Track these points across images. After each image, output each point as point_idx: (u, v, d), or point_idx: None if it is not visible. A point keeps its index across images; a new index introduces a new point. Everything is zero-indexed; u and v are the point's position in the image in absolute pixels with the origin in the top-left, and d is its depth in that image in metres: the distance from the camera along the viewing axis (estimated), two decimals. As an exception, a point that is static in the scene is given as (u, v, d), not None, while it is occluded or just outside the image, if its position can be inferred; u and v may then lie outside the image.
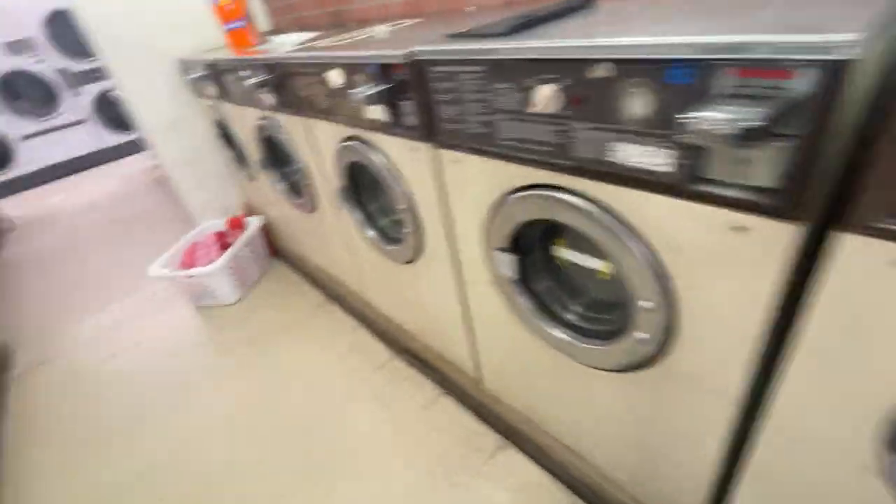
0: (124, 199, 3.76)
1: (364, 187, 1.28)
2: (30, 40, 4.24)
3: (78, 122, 4.64)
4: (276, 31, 2.14)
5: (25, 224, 3.68)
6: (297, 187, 1.62)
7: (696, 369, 0.64)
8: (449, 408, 1.36)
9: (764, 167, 0.46)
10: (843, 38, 0.37)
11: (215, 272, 1.91)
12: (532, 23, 0.69)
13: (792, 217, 0.46)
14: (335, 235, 1.55)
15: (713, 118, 0.39)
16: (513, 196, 0.75)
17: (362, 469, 1.24)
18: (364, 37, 1.15)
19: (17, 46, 4.20)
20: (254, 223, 2.19)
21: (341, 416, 1.41)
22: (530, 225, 0.78)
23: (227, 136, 2.03)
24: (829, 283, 0.46)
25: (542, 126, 0.63)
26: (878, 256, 0.42)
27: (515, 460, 1.19)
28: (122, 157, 4.94)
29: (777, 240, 0.47)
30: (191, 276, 1.93)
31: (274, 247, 2.31)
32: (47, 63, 4.35)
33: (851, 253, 0.43)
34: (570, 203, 0.65)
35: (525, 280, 0.87)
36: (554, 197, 0.67)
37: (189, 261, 2.07)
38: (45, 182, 4.61)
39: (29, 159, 4.48)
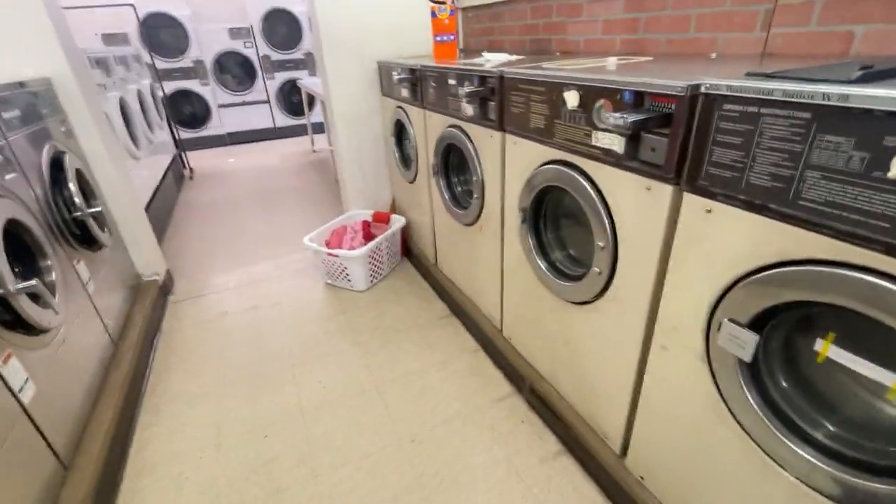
0: (284, 172, 4.22)
1: (547, 215, 1.22)
2: (248, 29, 5.05)
3: (263, 102, 5.38)
4: (467, 50, 2.24)
5: (203, 175, 4.31)
6: (461, 198, 1.63)
7: None
8: (570, 471, 1.22)
9: None
10: None
11: (357, 257, 2.00)
12: (878, 74, 0.57)
13: None
14: (488, 255, 1.52)
15: None
16: (791, 268, 0.62)
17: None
18: (592, 65, 1.11)
19: (237, 32, 5.02)
20: (398, 221, 2.28)
21: (453, 435, 1.35)
22: (787, 307, 0.65)
23: (401, 137, 2.14)
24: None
25: (891, 196, 0.51)
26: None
27: (647, 564, 1.01)
28: (287, 137, 5.60)
29: None
30: (335, 255, 2.04)
31: (406, 248, 2.38)
32: (255, 49, 5.13)
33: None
34: (898, 297, 0.51)
35: (754, 368, 0.72)
36: (878, 286, 0.54)
37: (335, 241, 2.21)
38: (225, 144, 5.39)
39: (219, 123, 5.28)
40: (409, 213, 2.27)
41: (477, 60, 1.53)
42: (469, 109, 1.38)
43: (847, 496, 0.62)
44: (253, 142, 5.51)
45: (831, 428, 0.67)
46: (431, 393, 1.51)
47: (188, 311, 2.08)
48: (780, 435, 0.69)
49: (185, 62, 4.89)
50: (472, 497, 1.17)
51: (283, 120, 5.57)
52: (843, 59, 0.86)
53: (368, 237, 2.20)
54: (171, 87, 4.88)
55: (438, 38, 1.73)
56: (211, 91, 5.10)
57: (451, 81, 1.45)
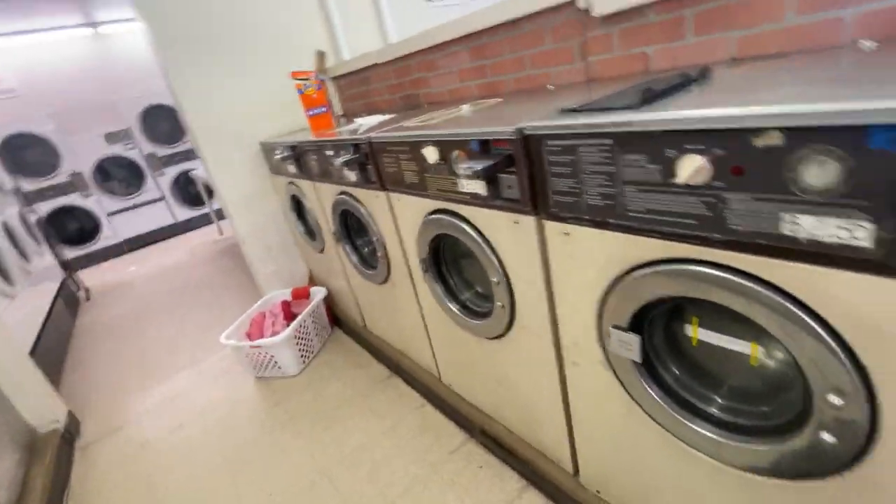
0: (192, 269, 3.97)
1: (446, 260, 1.26)
2: (127, 131, 4.83)
3: (157, 200, 5.10)
4: (346, 114, 2.31)
5: (101, 293, 3.93)
6: (369, 259, 1.63)
7: (909, 486, 0.51)
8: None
9: None
10: None
11: (282, 342, 1.91)
12: (655, 95, 0.67)
13: None
14: (408, 308, 1.52)
15: None
16: (640, 271, 0.69)
17: (444, 578, 1.09)
18: (450, 116, 1.19)
19: (115, 136, 4.78)
20: (318, 293, 2.22)
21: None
22: (658, 303, 0.71)
23: (300, 211, 2.12)
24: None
25: (686, 198, 0.58)
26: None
27: (625, 577, 1.01)
28: (192, 229, 5.32)
29: None
30: (258, 346, 1.93)
31: (334, 317, 2.31)
32: (139, 149, 4.90)
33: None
34: (728, 282, 0.58)
35: (649, 364, 0.78)
36: (703, 273, 0.61)
37: (255, 330, 2.09)
38: (123, 253, 4.99)
39: (111, 233, 4.90)
40: (329, 282, 2.22)
41: (350, 127, 1.58)
42: (351, 176, 1.41)
43: (747, 461, 0.67)
44: (155, 243, 5.16)
45: (721, 401, 0.73)
46: (385, 465, 1.44)
47: (102, 453, 1.83)
48: (684, 420, 0.74)
49: (58, 178, 4.53)
50: (445, 567, 1.11)
51: (185, 213, 5.30)
52: (645, 77, 1.00)
53: (290, 317, 2.12)
54: (47, 207, 4.48)
55: (311, 112, 1.76)
56: (96, 201, 4.75)
57: (329, 152, 1.48)
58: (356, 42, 2.31)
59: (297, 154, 1.74)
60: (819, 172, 0.46)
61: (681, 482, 0.81)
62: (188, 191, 5.25)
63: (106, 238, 4.89)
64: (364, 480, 1.40)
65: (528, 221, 0.85)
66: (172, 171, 5.12)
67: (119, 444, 1.86)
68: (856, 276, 0.47)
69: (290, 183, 1.99)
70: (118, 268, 4.59)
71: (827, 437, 0.55)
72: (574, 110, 0.72)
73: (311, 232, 2.09)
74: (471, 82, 1.56)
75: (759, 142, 0.49)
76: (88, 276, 4.31)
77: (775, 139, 0.48)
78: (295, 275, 2.42)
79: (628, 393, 0.82)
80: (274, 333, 2.03)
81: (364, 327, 2.06)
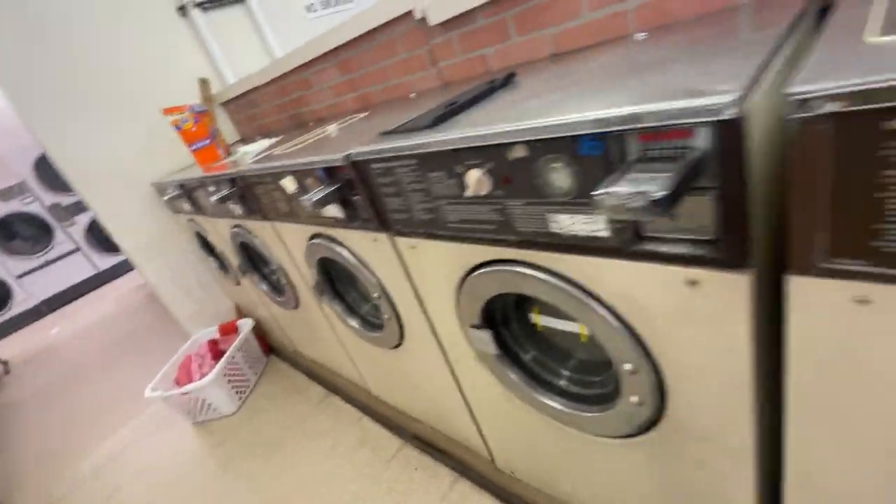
0: (119, 320, 3.76)
1: (340, 279, 1.27)
2: (22, 184, 4.44)
3: (72, 252, 4.75)
4: (245, 139, 2.25)
5: (22, 363, 3.65)
6: (277, 286, 1.62)
7: (700, 427, 0.59)
8: (467, 493, 1.27)
9: (698, 221, 0.45)
10: (716, 100, 0.37)
11: (210, 384, 1.86)
12: (457, 109, 0.71)
13: (736, 266, 0.44)
14: (323, 329, 1.52)
15: (619, 193, 0.38)
16: (474, 274, 0.73)
17: (383, 585, 1.13)
18: (316, 139, 1.20)
19: (8, 192, 4.40)
20: (245, 326, 2.17)
21: (354, 523, 1.31)
22: (502, 298, 0.76)
23: (207, 247, 2.06)
24: (797, 326, 0.43)
25: (481, 207, 0.63)
26: (840, 295, 0.39)
27: (546, 543, 1.08)
28: (119, 276, 5.01)
29: (732, 289, 0.45)
30: (186, 393, 1.87)
31: (267, 346, 2.27)
32: (39, 202, 4.53)
33: (808, 294, 0.41)
34: (527, 275, 0.64)
35: (510, 351, 0.83)
36: (511, 271, 0.66)
37: (183, 376, 2.02)
38: (42, 316, 4.63)
39: (25, 296, 4.53)
40: (255, 313, 2.18)
41: (234, 158, 1.55)
42: (237, 209, 1.39)
43: (594, 428, 0.74)
44: (78, 298, 4.82)
45: (569, 374, 0.80)
46: (326, 489, 1.46)
47: (32, 538, 1.73)
48: (544, 399, 0.80)
49: (-50, 248, 4.12)
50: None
51: (106, 260, 4.97)
52: (486, 77, 1.05)
53: (218, 356, 2.06)
54: (-58, 282, 4.07)
55: (194, 147, 1.71)
56: (0, 265, 4.37)
57: (211, 188, 1.44)
58: (242, 63, 2.24)
59: (187, 192, 1.69)
60: (558, 177, 0.51)
61: (561, 451, 0.88)
62: (105, 238, 4.92)
63: (20, 303, 4.51)
64: (304, 506, 1.41)
65: (383, 238, 0.88)
66: (84, 219, 4.77)
67: (52, 523, 1.76)
68: (608, 260, 0.54)
69: (191, 220, 1.93)
70: (39, 332, 4.26)
71: (635, 399, 0.62)
72: (390, 132, 0.75)
73: (224, 266, 2.03)
74: (346, 96, 1.56)
75: (512, 155, 0.54)
76: (5, 348, 3.98)
77: (522, 152, 0.53)
78: (220, 310, 2.35)
79: (500, 382, 0.87)
80: (203, 375, 1.97)
81: (296, 352, 2.04)
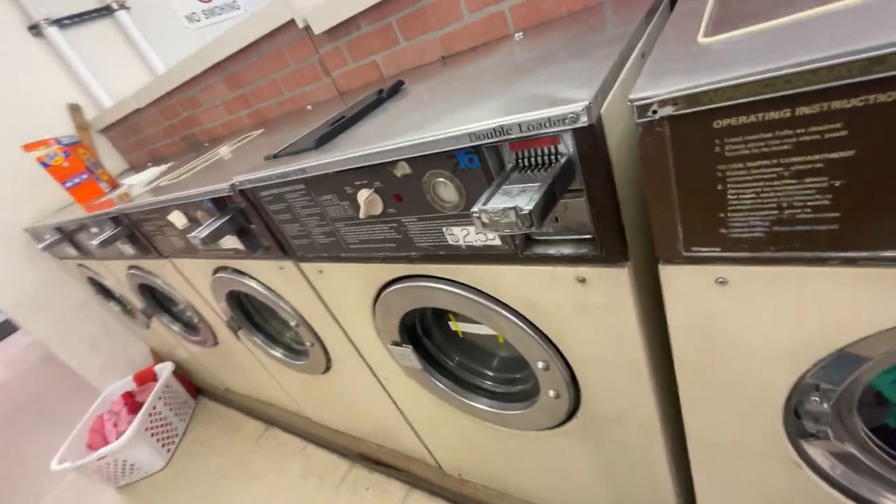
0: (11, 388, 3.28)
1: (255, 310, 1.19)
2: None
3: (-59, 316, 4.06)
4: (134, 167, 2.04)
5: None
6: (191, 325, 1.49)
7: (613, 410, 0.62)
8: (421, 503, 1.25)
9: (579, 221, 0.47)
10: (572, 108, 0.38)
11: (129, 443, 1.68)
12: (343, 126, 0.68)
13: (616, 261, 0.46)
14: (249, 363, 1.43)
15: (491, 211, 0.38)
16: (384, 293, 0.71)
17: None
18: (208, 163, 1.11)
19: None
20: (165, 369, 1.98)
21: (309, 560, 1.25)
22: (419, 311, 0.75)
23: (105, 291, 1.85)
24: (673, 308, 0.46)
25: (378, 226, 0.61)
26: (702, 279, 0.42)
27: (503, 537, 1.10)
28: (5, 336, 4.37)
29: (615, 282, 0.47)
30: (102, 458, 1.67)
31: (195, 387, 2.10)
32: None
33: (677, 280, 0.43)
34: (434, 288, 0.63)
35: (435, 361, 0.83)
36: (418, 286, 0.65)
37: (97, 439, 1.81)
38: (-86, 396, 3.92)
39: None
40: (173, 355, 2.00)
41: (116, 193, 1.39)
42: (128, 249, 1.25)
43: (521, 424, 0.76)
44: (-41, 367, 4.14)
45: (496, 375, 0.81)
46: (274, 527, 1.37)
47: None
48: (473, 403, 0.80)
49: None
50: None
51: (-10, 319, 4.31)
52: (381, 83, 1.02)
53: (135, 408, 1.87)
54: None
55: (68, 184, 1.51)
56: None
57: (94, 230, 1.29)
58: (119, 83, 2.02)
59: (68, 236, 1.49)
60: (445, 191, 0.51)
61: (498, 449, 0.89)
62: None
63: None
64: (253, 554, 1.32)
65: (289, 266, 0.83)
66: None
67: None
68: (506, 267, 0.54)
69: (80, 265, 1.71)
70: (-89, 416, 3.61)
71: (552, 393, 0.64)
72: (274, 156, 0.70)
73: (128, 310, 1.84)
74: (240, 113, 1.46)
75: (397, 172, 0.53)
76: None
77: (406, 169, 0.52)
78: (134, 358, 2.13)
79: (431, 392, 0.86)
80: (120, 434, 1.77)
81: (227, 389, 1.90)
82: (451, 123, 0.48)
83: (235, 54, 1.28)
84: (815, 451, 0.50)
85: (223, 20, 2.31)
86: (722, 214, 0.37)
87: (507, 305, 0.58)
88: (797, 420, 0.49)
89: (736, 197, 0.36)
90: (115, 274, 1.52)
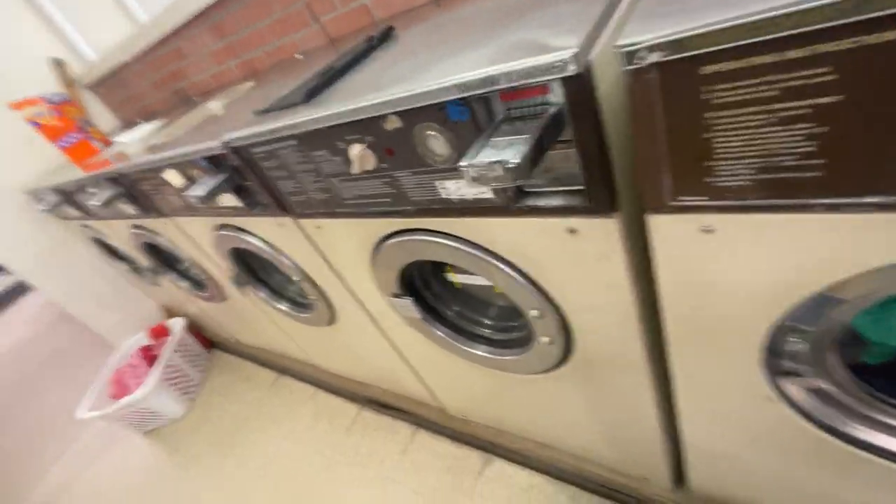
0: (36, 343, 3.42)
1: (259, 265, 1.22)
2: None
3: (-44, 278, 4.17)
4: (126, 124, 2.00)
5: (-68, 409, 3.26)
6: (198, 282, 1.52)
7: (603, 354, 0.65)
8: (426, 442, 1.34)
9: (569, 172, 0.47)
10: (560, 56, 0.37)
11: (150, 393, 1.77)
12: (332, 77, 0.67)
13: (605, 211, 0.46)
14: (257, 317, 1.48)
15: (479, 164, 0.39)
16: (382, 247, 0.73)
17: (360, 540, 1.20)
18: (202, 119, 1.09)
19: None
20: (177, 324, 2.05)
21: (325, 492, 1.36)
22: (417, 263, 0.77)
23: (112, 251, 1.88)
24: (661, 257, 0.47)
25: (373, 181, 0.61)
26: (689, 228, 0.43)
27: (503, 470, 1.18)
28: (26, 292, 4.48)
29: (605, 233, 0.48)
30: (126, 406, 1.78)
31: (208, 340, 2.18)
32: None
33: (665, 230, 0.44)
34: (429, 241, 0.64)
35: (435, 311, 0.85)
36: (414, 240, 0.66)
37: (119, 389, 1.91)
38: (-59, 354, 4.11)
39: (-87, 337, 3.97)
40: (184, 310, 2.06)
41: (111, 152, 1.38)
42: (129, 209, 1.26)
43: (517, 368, 0.80)
44: (-20, 326, 4.29)
45: (493, 323, 0.84)
46: (293, 466, 1.48)
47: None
48: (473, 350, 0.84)
49: None
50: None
51: (4, 278, 4.42)
52: (372, 28, 0.98)
53: (153, 361, 1.95)
54: None
55: (62, 144, 1.50)
56: None
57: (92, 190, 1.29)
58: (100, 35, 1.93)
59: (68, 197, 1.50)
60: (437, 144, 0.51)
61: (497, 392, 0.95)
62: (-6, 254, 4.33)
63: None
64: (274, 491, 1.44)
65: (288, 222, 0.84)
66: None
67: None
68: (498, 219, 0.55)
69: (84, 226, 1.73)
70: (-58, 372, 3.80)
71: (546, 339, 0.67)
72: (264, 112, 0.69)
73: (135, 268, 1.87)
74: (228, 64, 1.41)
75: (388, 126, 0.52)
76: None
77: (397, 123, 0.51)
78: (146, 314, 2.20)
79: (432, 341, 0.90)
80: (140, 385, 1.87)
81: (238, 342, 1.98)
82: (440, 74, 0.47)
83: (219, 1, 1.22)
84: (790, 388, 0.53)
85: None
86: (709, 163, 0.37)
87: (500, 257, 0.60)
88: (775, 359, 0.51)
89: (723, 145, 0.36)
90: (119, 234, 1.54)
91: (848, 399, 0.52)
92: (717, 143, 0.36)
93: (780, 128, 0.33)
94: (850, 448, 0.53)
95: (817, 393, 0.53)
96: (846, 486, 0.59)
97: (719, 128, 0.35)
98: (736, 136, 0.35)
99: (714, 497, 0.80)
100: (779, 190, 0.36)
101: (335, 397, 1.63)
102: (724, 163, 0.37)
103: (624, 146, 0.45)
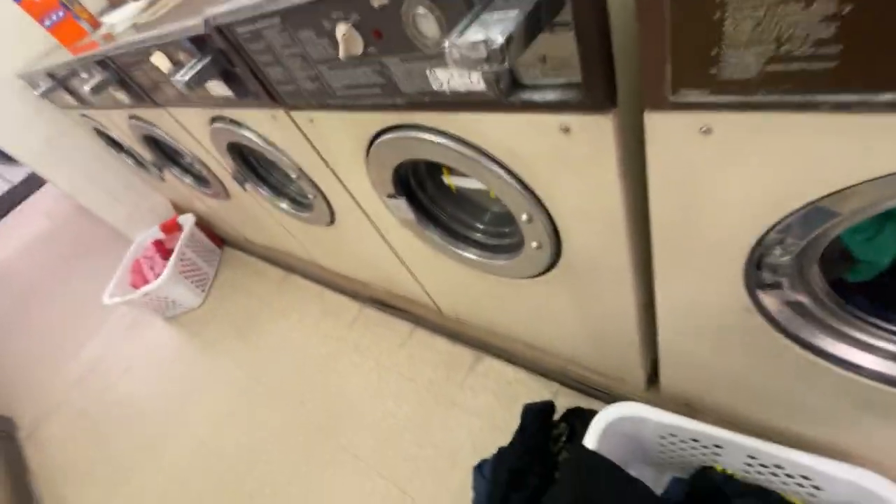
0: (57, 234, 3.56)
1: (258, 161, 1.21)
2: None
3: (-28, 168, 4.22)
4: (113, 2, 1.85)
5: (-27, 290, 3.52)
6: (201, 178, 1.53)
7: (590, 259, 0.65)
8: (423, 339, 1.43)
9: (567, 64, 0.43)
10: None
11: (167, 283, 1.88)
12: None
13: (602, 108, 0.43)
14: (261, 215, 1.50)
15: (461, 44, 0.35)
16: (375, 143, 0.71)
17: (363, 417, 1.34)
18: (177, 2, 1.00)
19: None
20: (187, 221, 2.10)
21: (330, 376, 1.49)
22: (412, 163, 0.75)
23: (115, 143, 1.86)
24: (654, 160, 0.45)
25: (362, 69, 0.57)
26: (687, 127, 0.40)
27: (492, 367, 1.28)
28: (41, 186, 4.57)
29: (599, 131, 0.46)
30: (146, 294, 1.90)
31: (219, 237, 2.25)
32: None
33: (661, 129, 0.42)
34: (422, 139, 0.62)
35: (430, 213, 0.86)
36: (406, 136, 0.64)
37: (138, 279, 2.03)
38: (-28, 240, 4.32)
39: (-58, 223, 4.15)
40: (192, 206, 2.09)
41: (100, 33, 1.30)
42: (123, 97, 1.22)
43: (508, 272, 0.82)
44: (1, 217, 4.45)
45: (486, 227, 0.84)
46: (301, 353, 1.61)
47: (48, 434, 1.91)
48: (466, 254, 0.85)
49: None
50: (370, 407, 1.34)
51: (19, 171, 4.47)
52: None
53: (167, 255, 2.04)
54: None
55: (47, 23, 1.41)
56: None
57: (83, 74, 1.24)
58: None
59: (61, 82, 1.44)
60: (426, 24, 0.46)
61: (489, 295, 0.98)
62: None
63: (-61, 230, 4.15)
64: (284, 376, 1.58)
65: (281, 115, 0.81)
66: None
67: (61, 421, 1.93)
68: (490, 115, 0.52)
69: (83, 115, 1.70)
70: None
71: (535, 244, 0.68)
72: (245, -16, 0.63)
73: (140, 161, 1.87)
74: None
75: (374, 1, 0.47)
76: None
77: (382, -3, 0.46)
78: (157, 209, 2.25)
79: (426, 243, 0.92)
80: (157, 276, 1.98)
81: (246, 239, 2.04)
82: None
83: None
84: (768, 300, 0.54)
85: None
86: (715, 50, 0.34)
87: (492, 157, 0.58)
88: (757, 271, 0.51)
89: (733, 28, 0.32)
90: (117, 124, 1.51)
91: (822, 313, 0.53)
92: (727, 24, 0.32)
93: (798, 5, 0.29)
94: (815, 357, 0.55)
95: (793, 305, 0.54)
96: (808, 392, 0.63)
97: (732, 6, 0.31)
98: (749, 16, 0.31)
99: (680, 396, 0.87)
100: (787, 84, 0.33)
101: (340, 295, 1.72)
102: (731, 50, 0.33)
103: (625, 34, 0.40)
